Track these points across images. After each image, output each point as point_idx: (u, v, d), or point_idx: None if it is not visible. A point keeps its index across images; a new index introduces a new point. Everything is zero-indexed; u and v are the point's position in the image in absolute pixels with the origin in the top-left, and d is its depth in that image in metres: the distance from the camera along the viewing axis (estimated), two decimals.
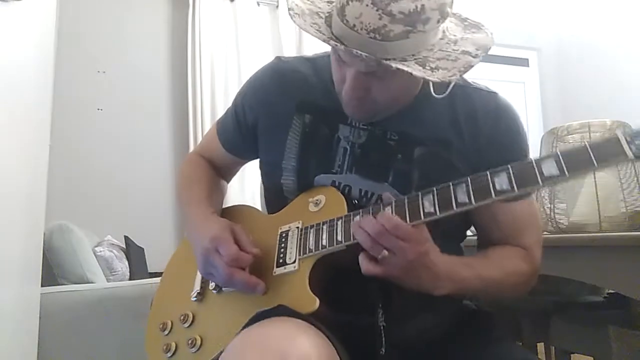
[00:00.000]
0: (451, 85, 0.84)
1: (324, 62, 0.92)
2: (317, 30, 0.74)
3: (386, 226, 0.68)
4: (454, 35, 0.77)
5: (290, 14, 0.74)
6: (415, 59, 0.71)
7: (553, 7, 4.09)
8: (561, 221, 1.27)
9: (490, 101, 0.87)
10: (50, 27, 1.72)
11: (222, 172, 1.10)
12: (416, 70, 0.69)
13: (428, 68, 0.70)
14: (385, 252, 0.68)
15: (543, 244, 0.89)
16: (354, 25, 0.70)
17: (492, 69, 3.95)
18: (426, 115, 0.86)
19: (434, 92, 0.83)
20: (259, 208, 1.01)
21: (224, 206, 1.04)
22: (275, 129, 0.92)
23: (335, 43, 0.71)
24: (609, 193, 1.20)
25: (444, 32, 0.76)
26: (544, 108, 4.18)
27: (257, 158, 1.00)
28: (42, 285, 1.64)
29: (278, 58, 0.98)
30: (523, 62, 4.26)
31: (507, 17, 3.96)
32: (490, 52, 0.77)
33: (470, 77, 0.90)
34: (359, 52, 0.69)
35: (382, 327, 0.76)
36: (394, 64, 0.68)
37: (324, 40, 0.72)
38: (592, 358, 1.65)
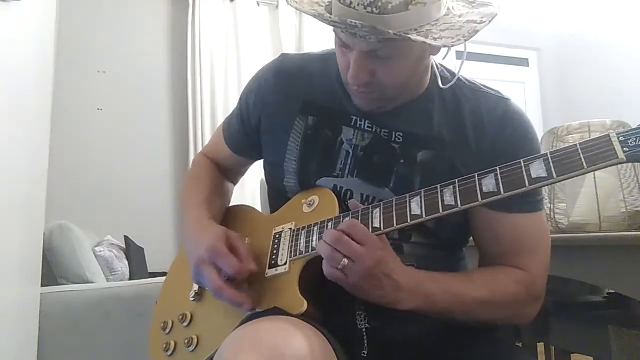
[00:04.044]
0: (456, 77, 0.83)
1: (333, 60, 0.88)
2: (313, 10, 0.72)
3: (343, 229, 0.68)
4: (460, 12, 0.75)
5: (287, 1, 0.73)
6: (417, 32, 0.68)
7: (553, 7, 4.09)
8: (561, 221, 1.27)
9: (499, 107, 0.84)
10: (50, 27, 1.72)
11: (228, 174, 1.08)
12: (415, 36, 0.67)
13: (431, 38, 0.68)
14: (345, 261, 0.67)
15: None
16: (351, 3, 0.68)
17: (492, 69, 3.96)
18: (433, 114, 0.84)
19: (442, 84, 0.82)
20: (259, 208, 1.01)
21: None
22: (277, 130, 0.90)
23: (330, 16, 0.68)
24: (609, 193, 1.20)
25: (448, 9, 0.74)
26: (544, 108, 4.18)
27: (262, 158, 0.98)
28: (42, 285, 1.64)
29: (284, 55, 0.96)
30: (523, 62, 4.26)
31: (507, 17, 3.96)
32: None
33: (472, 75, 0.89)
34: (354, 21, 0.66)
35: (364, 330, 0.75)
36: (392, 30, 0.66)
37: (321, 19, 0.70)
38: (592, 358, 1.65)
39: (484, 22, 0.71)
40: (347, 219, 0.75)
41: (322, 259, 0.77)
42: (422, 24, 0.69)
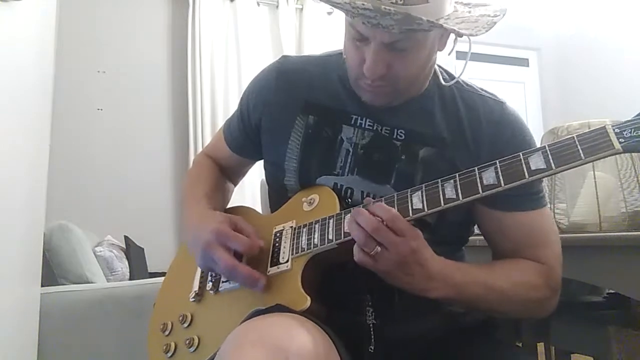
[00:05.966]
0: (457, 77, 0.85)
1: (333, 61, 0.91)
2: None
3: (384, 218, 0.68)
4: (467, 9, 0.78)
5: None
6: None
7: (553, 7, 4.09)
8: (561, 221, 1.27)
9: (495, 109, 0.86)
10: (50, 27, 1.72)
11: (229, 174, 1.09)
12: (446, 25, 0.68)
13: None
14: (378, 249, 0.68)
15: None
16: None
17: (492, 69, 3.96)
18: (434, 112, 0.85)
19: (443, 81, 0.84)
20: (259, 208, 1.01)
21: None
22: (278, 130, 0.91)
23: (363, 3, 0.67)
24: (609, 193, 1.20)
25: (455, 7, 0.77)
26: (544, 108, 4.18)
27: (262, 158, 0.99)
28: (42, 285, 1.64)
29: (284, 57, 0.97)
30: (523, 62, 4.26)
31: (507, 17, 3.96)
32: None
33: (471, 75, 0.90)
34: (388, 8, 0.66)
35: (371, 325, 0.76)
36: (424, 17, 0.67)
37: (348, 7, 0.69)
38: (592, 358, 1.65)
39: (498, 15, 0.74)
40: (347, 215, 0.76)
41: (324, 257, 0.77)
42: (437, 17, 0.71)
